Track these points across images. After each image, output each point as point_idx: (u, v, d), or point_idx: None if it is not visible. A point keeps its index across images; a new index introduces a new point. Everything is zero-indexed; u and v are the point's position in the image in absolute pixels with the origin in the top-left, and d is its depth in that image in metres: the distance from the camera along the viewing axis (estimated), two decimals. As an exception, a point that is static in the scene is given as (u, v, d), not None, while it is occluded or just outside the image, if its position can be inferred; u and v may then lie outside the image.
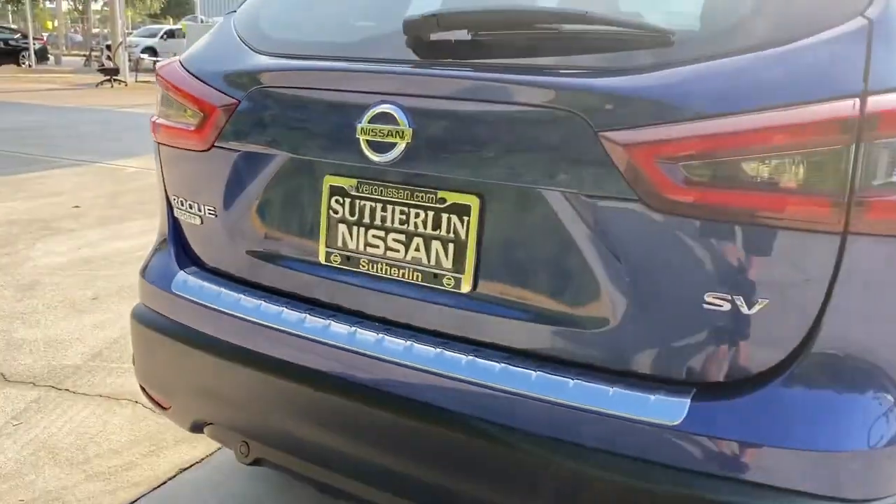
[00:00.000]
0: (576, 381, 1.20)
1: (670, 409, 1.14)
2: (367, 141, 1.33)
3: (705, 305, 1.13)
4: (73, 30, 61.26)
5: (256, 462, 1.60)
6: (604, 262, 1.19)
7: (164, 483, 2.26)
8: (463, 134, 1.29)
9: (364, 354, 1.36)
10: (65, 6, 59.03)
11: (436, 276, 1.34)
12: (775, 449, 1.10)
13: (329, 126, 1.40)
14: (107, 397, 2.76)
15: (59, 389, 2.82)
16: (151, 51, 31.78)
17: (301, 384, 1.43)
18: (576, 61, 1.27)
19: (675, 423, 1.13)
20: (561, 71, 1.25)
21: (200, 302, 1.59)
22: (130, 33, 33.64)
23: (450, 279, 1.33)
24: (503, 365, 1.25)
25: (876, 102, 1.04)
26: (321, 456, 1.47)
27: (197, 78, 1.61)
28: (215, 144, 1.55)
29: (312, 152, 1.45)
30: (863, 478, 1.11)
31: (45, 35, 33.12)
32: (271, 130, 1.50)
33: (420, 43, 1.36)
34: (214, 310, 1.56)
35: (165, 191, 1.75)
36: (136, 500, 2.17)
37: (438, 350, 1.31)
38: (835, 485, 1.10)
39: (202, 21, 36.60)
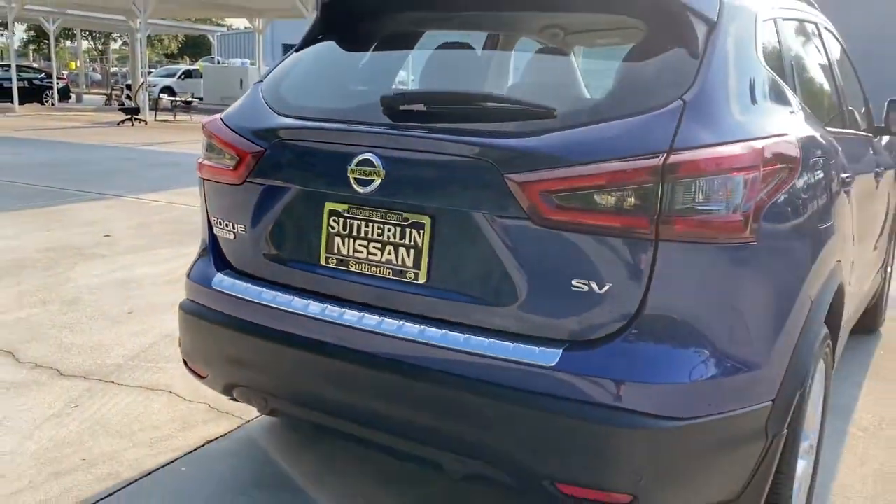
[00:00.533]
0: (491, 340, 1.78)
1: (550, 357, 1.71)
2: (355, 178, 1.93)
3: (572, 288, 1.71)
4: (91, 68, 62.80)
5: (272, 412, 2.16)
6: (509, 260, 1.77)
7: (195, 449, 2.82)
8: (419, 174, 1.88)
9: (349, 327, 1.94)
10: (84, 44, 60.76)
11: (402, 272, 1.92)
12: (620, 382, 1.67)
13: (329, 168, 2.00)
14: (146, 388, 3.33)
15: (106, 382, 3.39)
16: (169, 90, 32.83)
17: (306, 351, 2.01)
18: (492, 127, 1.86)
19: (552, 364, 1.70)
20: (482, 133, 1.84)
21: (233, 295, 2.18)
22: (150, 72, 34.70)
23: (411, 274, 1.91)
24: (444, 331, 1.83)
25: (676, 157, 1.63)
26: (320, 403, 2.05)
27: (235, 132, 2.21)
28: (247, 180, 2.15)
29: (317, 186, 2.04)
30: (681, 402, 1.68)
31: (66, 74, 34.13)
32: (288, 170, 2.10)
33: (391, 112, 1.97)
34: (243, 300, 2.15)
35: (207, 214, 2.35)
36: (174, 461, 2.73)
37: (401, 322, 1.89)
38: (661, 406, 1.66)
39: (218, 62, 37.78)
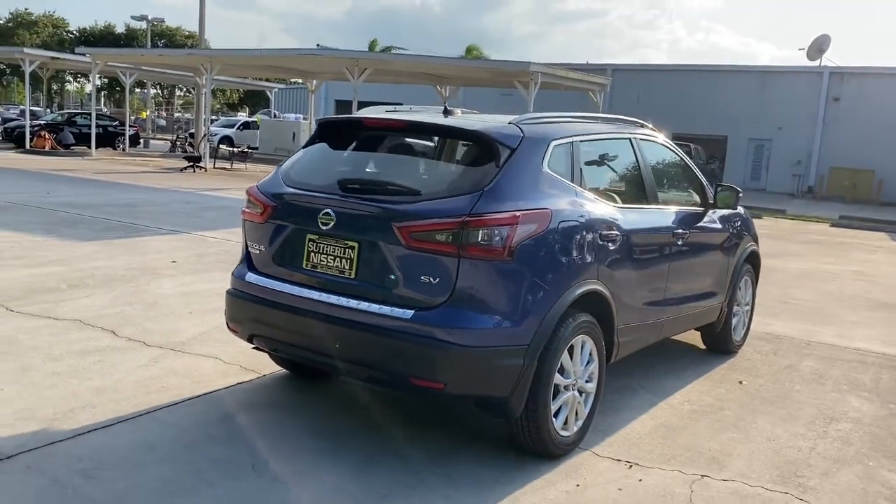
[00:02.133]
0: (383, 306, 3.50)
1: (408, 314, 3.43)
2: (321, 222, 3.69)
3: (421, 280, 3.43)
4: (156, 114, 66.82)
5: (274, 350, 3.92)
6: (394, 266, 3.49)
7: (228, 388, 4.57)
8: (352, 220, 3.63)
9: (314, 300, 3.68)
10: (151, 91, 64.95)
11: (343, 272, 3.66)
12: (442, 327, 3.38)
13: (308, 216, 3.77)
14: (200, 355, 5.11)
15: (175, 350, 5.18)
16: (228, 140, 35.47)
17: (291, 313, 3.75)
18: (390, 198, 3.61)
19: (408, 318, 3.42)
20: (385, 201, 3.59)
21: (256, 284, 3.95)
22: (214, 120, 37.44)
23: (348, 273, 3.65)
24: (360, 301, 3.56)
25: (469, 218, 3.37)
26: (297, 340, 3.79)
27: (262, 193, 4.01)
28: (267, 220, 3.94)
29: (302, 225, 3.80)
30: (473, 337, 3.38)
31: (136, 121, 37.05)
32: (288, 216, 3.87)
33: (342, 187, 3.75)
34: (261, 287, 3.91)
35: (245, 239, 4.14)
36: (215, 391, 4.48)
37: (340, 297, 3.62)
38: (462, 339, 3.36)
39: (274, 115, 40.57)
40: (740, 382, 5.37)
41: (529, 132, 3.86)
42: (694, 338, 6.13)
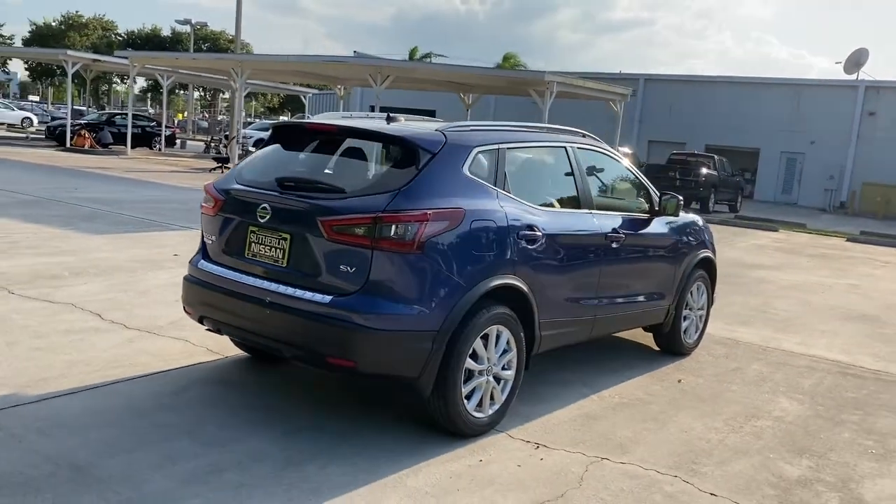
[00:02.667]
0: (308, 291, 3.90)
1: (327, 299, 3.83)
2: (259, 215, 4.10)
3: (340, 268, 3.82)
4: (200, 115, 68.44)
5: (217, 330, 4.35)
6: (319, 256, 3.89)
7: (191, 365, 5.01)
8: (286, 214, 4.04)
9: (252, 286, 4.09)
10: (196, 94, 66.60)
11: (277, 260, 4.08)
12: (356, 311, 3.76)
13: (250, 210, 4.18)
14: (173, 338, 5.56)
15: (152, 333, 5.64)
16: (263, 142, 36.34)
17: (233, 297, 4.17)
18: (317, 195, 4.01)
19: (326, 302, 3.82)
20: (312, 197, 3.99)
21: (207, 271, 4.38)
22: (251, 122, 38.46)
23: (281, 262, 4.06)
24: (290, 287, 3.96)
25: (383, 214, 3.76)
26: (237, 321, 4.20)
27: (216, 189, 4.45)
28: (217, 213, 4.37)
29: (246, 218, 4.22)
30: (383, 321, 3.76)
31: (175, 121, 38.10)
32: (233, 209, 4.30)
33: (279, 184, 4.16)
34: (211, 273, 4.34)
35: (202, 230, 4.58)
36: (179, 367, 4.92)
37: (273, 283, 4.03)
38: (373, 322, 3.74)
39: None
40: (679, 381, 5.65)
41: (453, 139, 4.24)
42: (648, 338, 6.42)
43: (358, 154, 4.34)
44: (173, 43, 69.37)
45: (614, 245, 5.16)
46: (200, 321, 4.50)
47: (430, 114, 40.22)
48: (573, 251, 4.84)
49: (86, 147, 27.74)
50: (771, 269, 12.31)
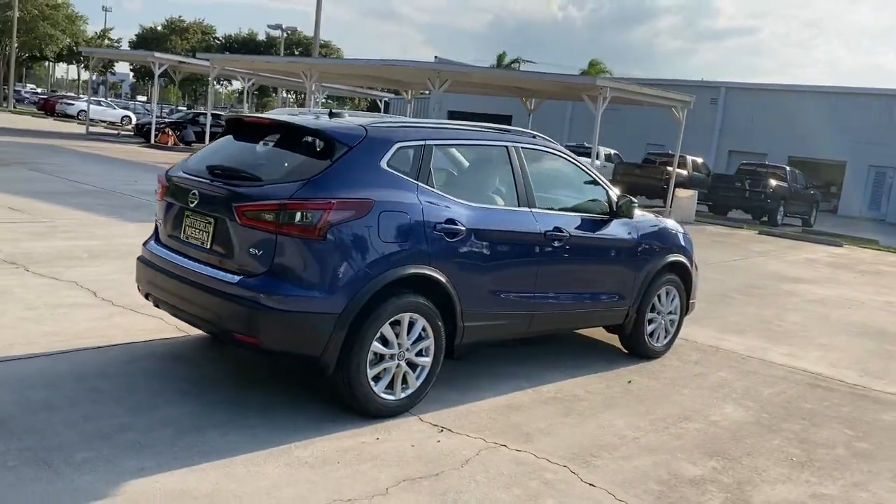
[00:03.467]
0: (221, 271, 4.20)
1: (235, 278, 4.12)
2: (189, 200, 4.44)
3: (250, 251, 4.11)
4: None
5: (157, 306, 4.70)
6: (233, 239, 4.19)
7: (152, 340, 5.40)
8: (210, 200, 4.35)
9: (182, 266, 4.43)
10: (286, 96, 68.76)
11: (203, 242, 4.40)
12: (260, 291, 4.03)
13: (184, 195, 4.52)
14: (149, 315, 5.96)
15: (132, 311, 6.06)
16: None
17: (168, 276, 4.52)
18: (236, 182, 4.30)
19: (235, 282, 4.11)
20: (231, 185, 4.29)
21: (153, 252, 4.75)
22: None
23: (206, 244, 4.38)
24: (209, 267, 4.28)
25: (288, 201, 4.02)
26: (172, 298, 4.55)
27: (165, 177, 4.82)
28: (163, 198, 4.74)
29: (182, 203, 4.56)
30: (285, 301, 4.02)
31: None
32: (175, 195, 4.64)
33: (209, 172, 4.48)
34: (155, 254, 4.71)
35: (156, 215, 4.96)
36: (135, 342, 5.32)
37: (198, 263, 4.36)
38: (276, 302, 4.01)
39: None
40: (629, 382, 5.68)
41: (374, 134, 4.46)
42: (617, 340, 6.44)
43: (285, 146, 4.61)
44: (267, 47, 72.02)
45: (557, 243, 5.25)
46: (147, 298, 4.87)
47: (507, 120, 40.49)
48: (504, 247, 4.96)
49: (169, 144, 29.27)
50: (807, 282, 11.93)
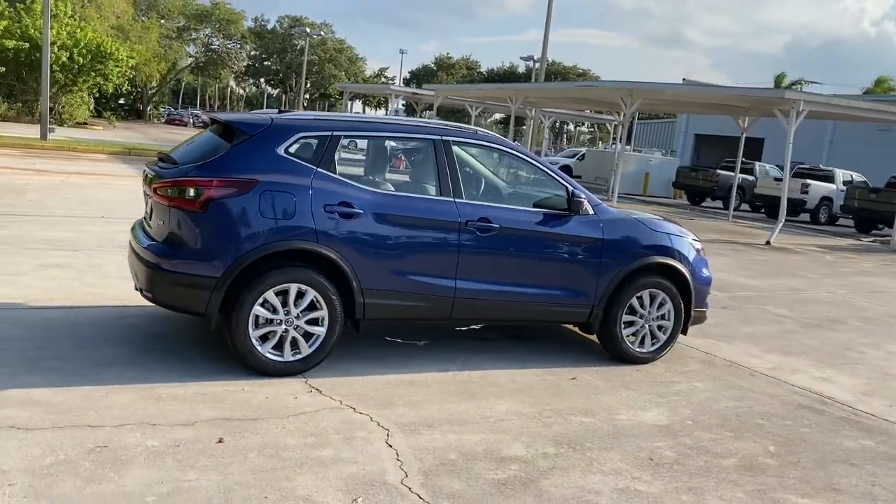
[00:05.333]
0: (148, 240, 5.07)
1: (146, 243, 4.97)
2: (143, 182, 5.38)
3: (159, 223, 4.93)
4: (549, 145, 72.06)
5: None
6: (154, 213, 5.04)
7: (132, 306, 6.44)
8: (150, 180, 5.22)
9: (134, 238, 5.38)
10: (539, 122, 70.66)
11: (148, 216, 5.30)
12: (161, 255, 4.84)
13: (145, 178, 5.46)
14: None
15: (180, 285, 7.22)
16: (567, 169, 37.75)
17: (131, 250, 5.50)
18: (164, 165, 5.15)
19: (144, 247, 4.95)
20: (160, 167, 5.14)
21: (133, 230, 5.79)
22: (575, 150, 40.20)
23: (147, 217, 5.28)
24: (143, 237, 5.17)
25: (181, 179, 4.80)
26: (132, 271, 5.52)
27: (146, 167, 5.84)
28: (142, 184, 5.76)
29: (145, 185, 5.52)
30: (173, 264, 4.79)
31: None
32: (144, 180, 5.62)
33: (158, 159, 5.38)
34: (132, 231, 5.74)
35: (152, 198, 6.00)
36: (114, 305, 6.39)
37: (143, 235, 5.27)
38: (168, 265, 4.79)
39: (604, 149, 41.89)
40: (572, 379, 5.61)
41: (279, 123, 5.08)
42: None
43: (215, 137, 5.36)
44: (527, 78, 74.61)
45: (483, 233, 5.42)
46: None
47: (759, 143, 38.17)
48: (412, 231, 5.25)
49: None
50: None
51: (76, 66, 38.62)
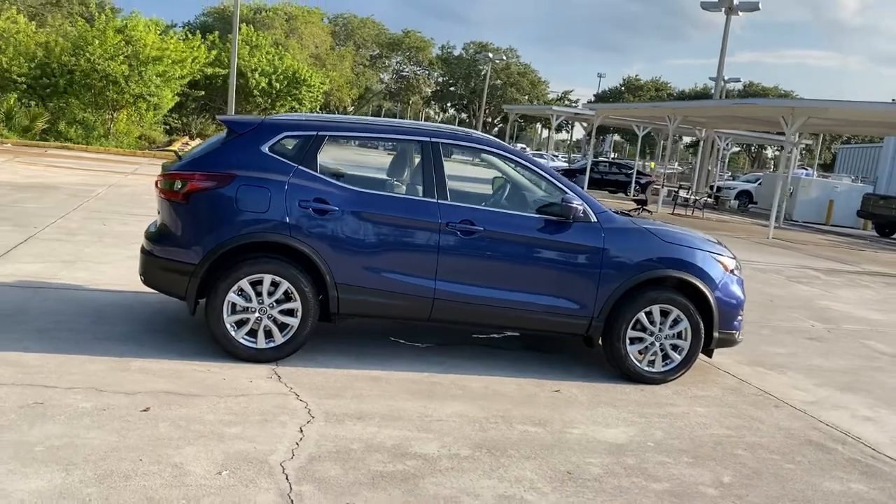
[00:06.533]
0: (155, 233, 5.55)
1: (149, 234, 5.43)
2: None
3: (159, 212, 5.38)
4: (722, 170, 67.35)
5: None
6: (161, 210, 5.49)
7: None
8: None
9: (154, 226, 5.91)
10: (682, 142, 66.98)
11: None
12: (148, 242, 5.31)
13: None
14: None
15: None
16: (747, 194, 35.59)
17: None
18: (172, 162, 5.60)
19: (147, 236, 5.43)
20: (168, 164, 5.60)
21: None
22: (733, 177, 37.95)
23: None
24: (152, 230, 5.67)
25: (170, 173, 5.23)
26: None
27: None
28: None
29: None
30: (161, 251, 5.23)
31: (650, 172, 39.81)
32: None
33: (180, 158, 5.87)
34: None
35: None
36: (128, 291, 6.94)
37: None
38: (160, 252, 5.24)
39: (808, 175, 38.75)
40: (555, 391, 5.38)
41: (268, 123, 5.38)
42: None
43: (222, 136, 5.74)
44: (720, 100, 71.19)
45: (465, 235, 5.37)
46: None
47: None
48: (389, 230, 5.32)
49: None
50: None
51: (274, 92, 42.32)
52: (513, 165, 5.89)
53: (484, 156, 5.86)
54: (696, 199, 25.53)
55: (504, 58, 65.29)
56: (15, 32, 26.86)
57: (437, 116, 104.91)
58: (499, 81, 68.52)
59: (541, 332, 5.97)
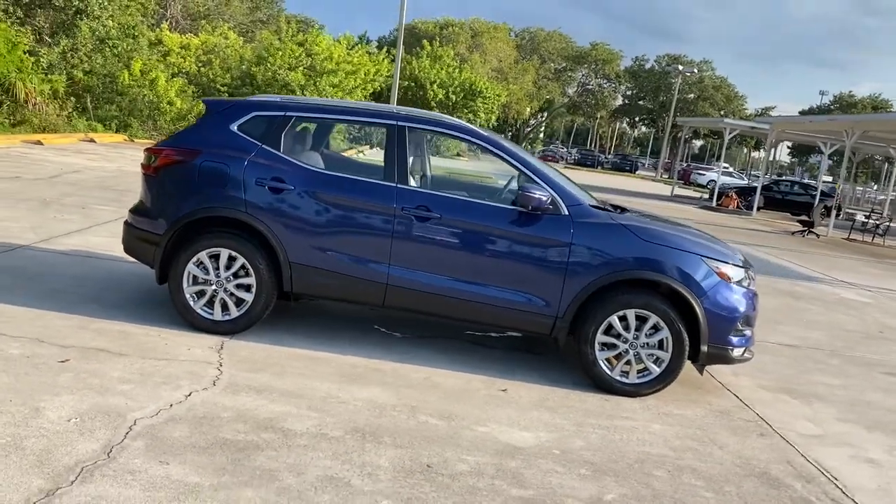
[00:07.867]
0: (136, 205, 5.92)
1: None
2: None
3: (142, 185, 5.74)
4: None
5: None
6: (141, 184, 5.85)
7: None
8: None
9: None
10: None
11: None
12: (129, 213, 5.66)
13: None
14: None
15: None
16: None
17: None
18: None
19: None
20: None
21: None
22: None
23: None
24: (150, 201, 6.05)
25: (156, 149, 5.55)
26: None
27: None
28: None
29: None
30: (142, 224, 5.55)
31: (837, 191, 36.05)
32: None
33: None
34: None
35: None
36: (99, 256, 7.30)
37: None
38: (144, 225, 5.58)
39: None
40: (503, 390, 5.07)
41: (240, 104, 5.55)
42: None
43: None
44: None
45: (419, 221, 5.21)
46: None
47: None
48: (343, 212, 5.27)
49: (730, 207, 29.76)
50: None
51: (450, 103, 43.47)
52: (490, 154, 5.63)
53: (454, 142, 5.65)
54: (878, 224, 22.85)
55: (695, 70, 62.32)
56: (224, 47, 29.85)
57: (632, 131, 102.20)
58: (691, 95, 65.61)
59: (500, 328, 5.64)
